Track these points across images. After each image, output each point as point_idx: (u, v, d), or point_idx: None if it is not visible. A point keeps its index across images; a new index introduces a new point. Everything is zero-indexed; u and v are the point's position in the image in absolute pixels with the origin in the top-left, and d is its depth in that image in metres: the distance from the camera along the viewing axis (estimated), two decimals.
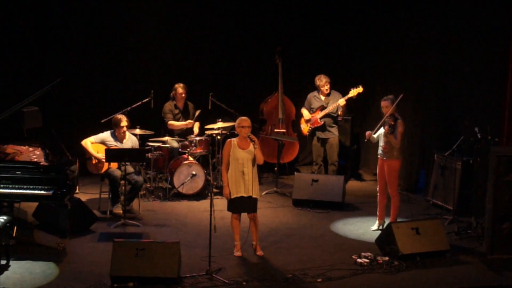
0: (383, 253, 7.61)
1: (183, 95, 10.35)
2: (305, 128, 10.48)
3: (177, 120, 10.39)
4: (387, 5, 11.15)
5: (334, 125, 10.37)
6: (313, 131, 10.41)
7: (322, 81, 10.28)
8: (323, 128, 10.33)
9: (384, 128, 8.33)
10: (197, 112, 10.41)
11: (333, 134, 10.37)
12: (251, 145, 7.52)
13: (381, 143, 8.47)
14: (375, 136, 8.57)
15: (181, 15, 11.48)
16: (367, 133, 8.58)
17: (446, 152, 9.27)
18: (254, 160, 7.54)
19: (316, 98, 10.39)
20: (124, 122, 9.10)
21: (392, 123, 8.28)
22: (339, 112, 10.25)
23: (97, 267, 7.13)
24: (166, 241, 7.05)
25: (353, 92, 10.02)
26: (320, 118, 10.28)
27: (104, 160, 8.90)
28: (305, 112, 10.43)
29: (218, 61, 11.68)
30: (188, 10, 11.50)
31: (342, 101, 10.09)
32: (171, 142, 10.11)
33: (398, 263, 7.36)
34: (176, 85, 10.36)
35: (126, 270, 6.70)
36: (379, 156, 8.56)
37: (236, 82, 11.71)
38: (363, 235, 8.49)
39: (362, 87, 10.01)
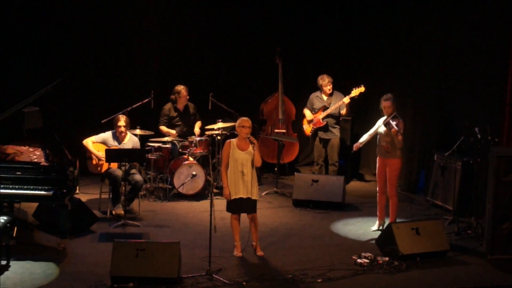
0: (383, 253, 7.62)
1: (188, 97, 10.34)
2: (307, 128, 10.48)
3: (175, 122, 10.39)
4: (387, 5, 11.15)
5: (336, 126, 10.38)
6: (315, 132, 10.41)
7: (325, 81, 10.28)
8: (325, 128, 10.33)
9: (391, 130, 8.28)
10: (198, 124, 10.41)
11: (335, 135, 10.38)
12: (251, 146, 7.51)
13: (382, 143, 8.47)
14: (363, 140, 8.65)
15: (181, 15, 11.49)
16: (355, 145, 8.65)
17: (446, 152, 9.27)
18: (253, 161, 7.53)
19: (318, 98, 10.40)
20: (121, 122, 9.09)
21: (398, 122, 8.28)
22: (343, 112, 10.25)
23: (97, 267, 7.13)
24: (166, 242, 7.05)
25: (355, 92, 10.02)
26: (323, 119, 10.29)
27: (104, 160, 8.91)
28: (307, 112, 10.43)
29: (218, 61, 11.69)
30: (188, 10, 11.51)
31: (346, 99, 10.08)
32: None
33: (398, 264, 7.37)
34: (178, 88, 10.30)
35: (126, 270, 6.70)
36: (378, 155, 8.56)
37: (236, 82, 11.71)
38: (363, 236, 8.49)
39: (364, 86, 10.02)
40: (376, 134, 8.61)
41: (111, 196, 9.12)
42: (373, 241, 7.99)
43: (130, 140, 9.23)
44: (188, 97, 10.34)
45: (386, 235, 7.71)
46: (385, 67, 11.29)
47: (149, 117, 10.50)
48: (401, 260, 7.42)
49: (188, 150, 10.01)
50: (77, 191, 9.56)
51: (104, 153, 8.78)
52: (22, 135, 7.96)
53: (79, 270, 7.09)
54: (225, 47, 11.70)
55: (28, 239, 7.95)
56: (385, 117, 8.49)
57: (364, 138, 8.72)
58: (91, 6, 11.05)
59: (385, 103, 8.42)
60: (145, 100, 10.25)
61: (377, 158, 8.61)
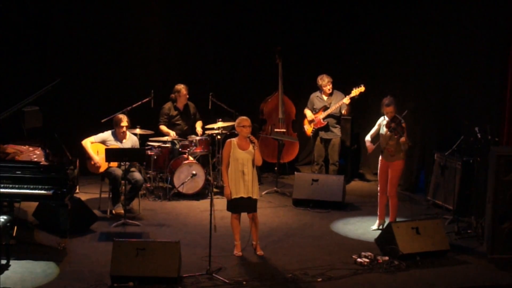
0: (383, 252, 7.62)
1: (187, 96, 10.34)
2: (308, 129, 10.48)
3: (175, 121, 10.39)
4: (387, 5, 11.15)
5: (337, 126, 10.38)
6: (316, 132, 10.41)
7: (325, 81, 10.27)
8: (326, 128, 10.33)
9: (399, 140, 8.27)
10: (200, 124, 10.43)
11: (336, 134, 10.38)
12: (251, 146, 7.51)
13: (386, 146, 8.44)
14: (369, 139, 8.62)
15: (181, 15, 11.48)
16: (369, 148, 8.58)
17: (446, 151, 9.28)
18: (254, 161, 7.53)
19: (318, 98, 10.39)
20: (124, 122, 9.10)
21: (403, 127, 8.28)
22: (343, 111, 10.25)
23: (97, 267, 7.13)
24: (166, 241, 7.05)
25: (355, 92, 10.02)
26: (323, 119, 10.28)
27: (99, 164, 8.93)
28: (308, 113, 10.43)
29: (218, 61, 11.68)
30: (188, 10, 11.50)
31: (346, 100, 10.07)
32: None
33: (398, 263, 7.37)
34: (178, 87, 10.31)
35: (126, 269, 6.70)
36: (382, 158, 8.54)
37: (236, 82, 11.70)
38: (363, 235, 8.50)
39: (364, 86, 10.01)
40: (377, 134, 8.60)
41: (111, 195, 9.12)
42: (373, 241, 7.98)
43: (129, 139, 9.23)
44: (188, 96, 10.34)
45: (386, 234, 7.71)
46: (385, 67, 11.28)
47: (149, 117, 10.49)
48: (401, 259, 7.42)
49: (188, 149, 10.01)
50: (77, 191, 9.56)
51: (103, 153, 8.77)
52: (22, 134, 7.96)
53: (79, 270, 7.09)
54: (225, 47, 11.69)
55: (28, 239, 7.95)
56: (385, 117, 8.47)
57: (369, 137, 8.67)
58: (91, 6, 11.04)
59: (388, 109, 8.35)
60: (145, 100, 10.25)
61: (379, 159, 8.60)
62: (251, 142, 7.46)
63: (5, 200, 7.46)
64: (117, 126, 9.12)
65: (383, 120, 8.51)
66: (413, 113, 10.41)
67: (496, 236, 7.68)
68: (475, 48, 9.59)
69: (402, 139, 8.22)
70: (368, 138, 8.67)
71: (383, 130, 8.46)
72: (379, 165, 8.61)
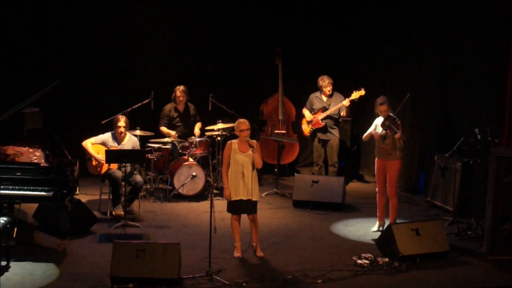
0: (383, 254, 7.62)
1: (181, 98, 10.35)
2: (306, 129, 10.47)
3: (176, 123, 10.40)
4: (387, 6, 11.15)
5: (335, 127, 10.36)
6: (314, 132, 10.40)
7: (325, 82, 10.26)
8: (324, 129, 10.32)
9: (394, 136, 8.27)
10: (198, 125, 10.43)
11: (334, 135, 10.36)
12: (251, 149, 7.49)
13: (381, 145, 8.46)
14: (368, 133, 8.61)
15: (181, 16, 11.49)
16: (375, 134, 8.53)
17: (446, 153, 9.27)
18: (254, 163, 7.53)
19: (318, 99, 10.38)
20: (121, 122, 9.08)
21: (398, 126, 8.28)
22: (342, 113, 10.23)
23: (97, 268, 7.13)
24: (166, 242, 7.05)
25: (355, 95, 9.99)
26: (322, 120, 10.27)
27: (103, 162, 8.92)
28: (306, 113, 10.42)
29: (219, 62, 11.68)
30: (188, 10, 11.50)
31: (346, 102, 10.06)
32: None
33: (398, 264, 7.36)
34: (175, 88, 10.36)
35: (126, 271, 6.70)
36: (378, 158, 8.55)
37: (236, 83, 11.71)
38: (363, 236, 8.49)
39: (364, 90, 9.99)
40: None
41: (111, 197, 9.12)
42: (373, 242, 7.98)
43: (130, 140, 9.22)
44: (181, 98, 10.33)
45: (386, 236, 7.71)
46: (385, 68, 11.28)
47: (149, 118, 10.49)
48: (401, 261, 7.41)
49: (188, 151, 10.01)
50: (77, 192, 9.57)
51: (103, 154, 8.77)
52: (22, 136, 7.96)
53: (79, 271, 7.09)
54: (225, 48, 11.70)
55: (28, 240, 7.94)
56: (381, 118, 8.47)
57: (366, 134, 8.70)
58: (91, 6, 11.05)
59: (381, 107, 8.40)
60: (145, 101, 10.26)
61: (376, 159, 8.60)
62: (250, 146, 7.45)
63: (5, 201, 7.45)
64: (115, 126, 9.12)
65: (378, 121, 8.52)
66: (413, 114, 10.45)
67: (496, 237, 7.68)
68: (475, 49, 9.58)
69: (397, 135, 8.23)
70: (364, 136, 8.70)
71: (379, 130, 8.46)
72: (376, 166, 8.62)
